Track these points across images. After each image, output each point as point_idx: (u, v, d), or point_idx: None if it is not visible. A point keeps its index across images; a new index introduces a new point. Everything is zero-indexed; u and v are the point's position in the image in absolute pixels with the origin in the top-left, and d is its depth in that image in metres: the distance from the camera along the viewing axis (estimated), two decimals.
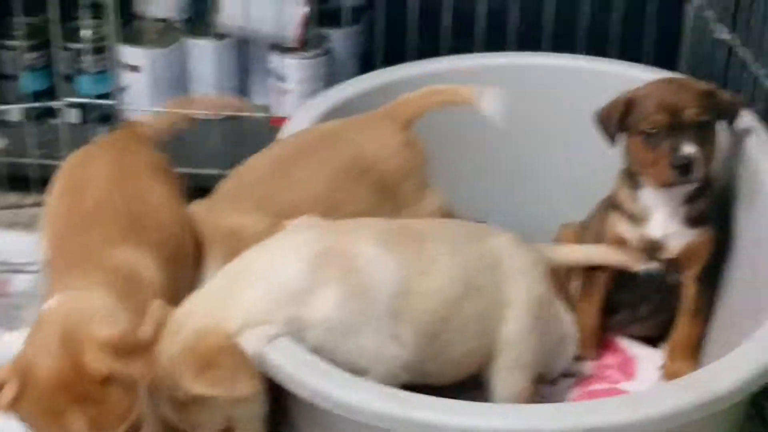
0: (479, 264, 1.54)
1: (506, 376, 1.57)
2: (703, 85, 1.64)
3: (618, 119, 1.63)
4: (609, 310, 1.76)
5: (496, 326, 1.55)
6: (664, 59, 2.05)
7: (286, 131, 1.82)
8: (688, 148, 1.57)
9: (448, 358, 1.52)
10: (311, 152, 1.71)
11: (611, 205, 1.71)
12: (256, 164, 1.72)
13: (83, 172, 1.63)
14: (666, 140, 1.58)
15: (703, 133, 1.59)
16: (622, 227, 1.69)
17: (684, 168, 1.56)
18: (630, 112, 1.62)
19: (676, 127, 1.58)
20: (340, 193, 1.67)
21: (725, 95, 1.65)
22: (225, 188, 1.70)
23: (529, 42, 2.04)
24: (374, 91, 1.91)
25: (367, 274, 1.46)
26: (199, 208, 1.67)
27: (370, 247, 1.48)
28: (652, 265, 1.68)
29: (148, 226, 1.54)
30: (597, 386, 1.71)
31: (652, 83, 1.66)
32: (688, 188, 1.62)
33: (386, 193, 1.71)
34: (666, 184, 1.60)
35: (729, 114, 1.64)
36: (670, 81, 1.66)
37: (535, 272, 1.59)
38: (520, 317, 1.56)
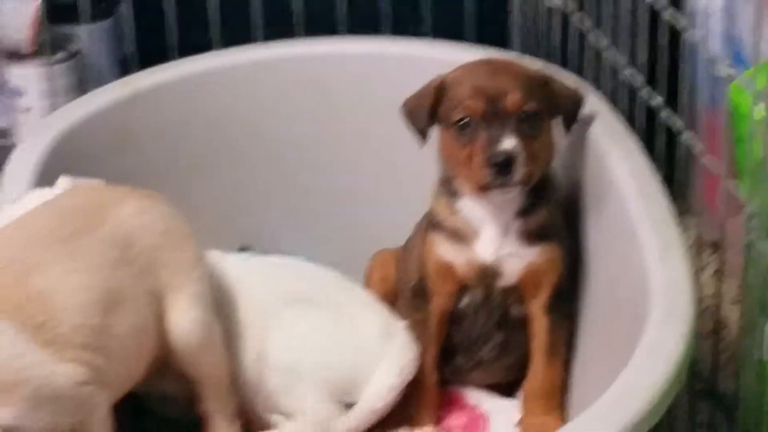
0: (105, 260, 1.26)
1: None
2: (533, 69, 1.46)
3: (428, 108, 1.45)
4: (442, 354, 1.50)
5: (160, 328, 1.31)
6: (492, 36, 1.85)
7: (16, 162, 1.53)
8: (509, 142, 1.37)
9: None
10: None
11: (430, 222, 1.48)
12: None
13: None
14: (482, 133, 1.39)
15: (530, 126, 1.41)
16: (444, 249, 1.46)
17: (503, 166, 1.36)
18: (441, 99, 1.45)
19: (495, 116, 1.40)
20: None
21: (563, 86, 1.47)
22: None
23: (321, 26, 1.81)
24: (127, 100, 1.64)
25: None
26: None
27: None
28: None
29: None
30: None
31: (468, 64, 1.47)
32: (512, 194, 1.42)
33: None
34: (483, 188, 1.40)
35: (567, 110, 1.46)
36: (490, 61, 1.47)
37: (173, 238, 1.33)
38: (183, 307, 1.31)
